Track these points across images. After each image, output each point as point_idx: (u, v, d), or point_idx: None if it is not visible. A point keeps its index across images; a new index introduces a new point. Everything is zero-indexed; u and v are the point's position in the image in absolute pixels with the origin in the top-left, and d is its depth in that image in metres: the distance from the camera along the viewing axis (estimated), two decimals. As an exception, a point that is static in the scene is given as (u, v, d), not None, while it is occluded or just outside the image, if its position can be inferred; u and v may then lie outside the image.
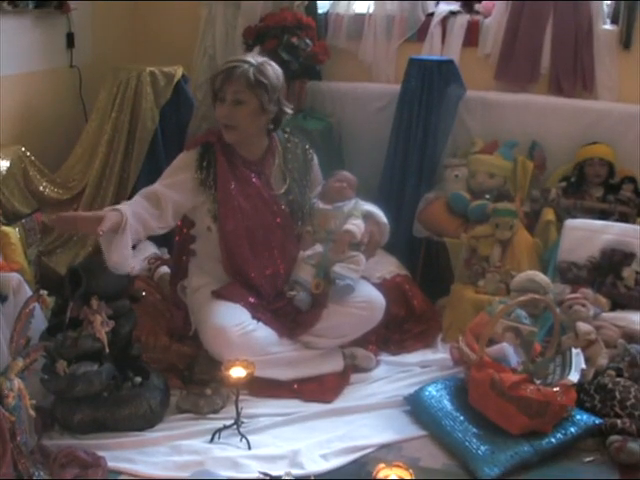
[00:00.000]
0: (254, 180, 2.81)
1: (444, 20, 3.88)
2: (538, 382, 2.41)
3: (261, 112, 2.74)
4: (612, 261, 3.05)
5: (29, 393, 2.11)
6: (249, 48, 3.72)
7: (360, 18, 4.00)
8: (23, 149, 3.26)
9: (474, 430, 2.39)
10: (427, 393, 2.56)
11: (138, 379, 2.54)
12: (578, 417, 2.43)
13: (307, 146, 2.98)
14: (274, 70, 2.77)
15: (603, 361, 2.63)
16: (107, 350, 2.42)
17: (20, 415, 2.05)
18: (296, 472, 2.23)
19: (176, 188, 2.70)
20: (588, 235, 3.13)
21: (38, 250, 3.20)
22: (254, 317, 2.72)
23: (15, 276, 2.59)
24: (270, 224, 2.82)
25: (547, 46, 3.71)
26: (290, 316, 2.81)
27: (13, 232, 2.89)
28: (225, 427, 2.40)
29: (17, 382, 2.05)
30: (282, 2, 3.87)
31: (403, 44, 3.94)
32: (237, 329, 2.63)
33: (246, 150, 2.82)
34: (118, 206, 2.57)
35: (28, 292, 2.58)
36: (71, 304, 2.47)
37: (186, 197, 2.73)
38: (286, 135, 2.94)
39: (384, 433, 2.47)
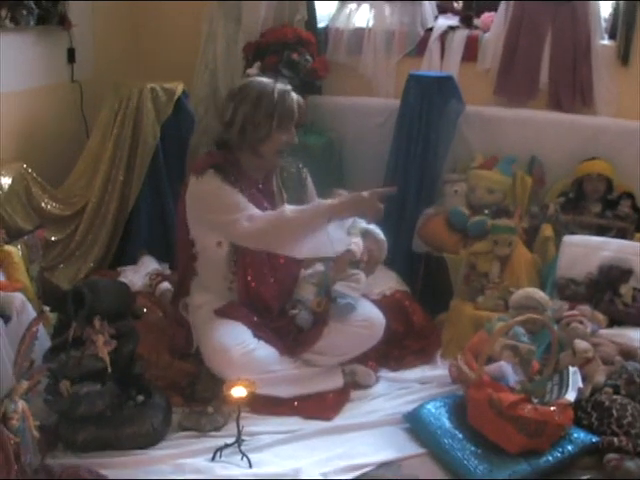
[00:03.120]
0: (261, 199, 2.83)
1: (443, 35, 3.89)
2: (535, 401, 2.42)
3: None
4: (610, 278, 3.07)
5: (32, 412, 2.12)
6: (249, 64, 3.75)
7: (360, 32, 4.01)
8: (25, 166, 3.27)
9: (472, 448, 2.40)
10: (426, 411, 2.57)
11: (140, 398, 2.55)
12: (575, 435, 2.44)
13: (300, 165, 3.01)
14: None
15: (600, 378, 2.63)
16: (110, 370, 2.43)
17: (24, 436, 2.07)
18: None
19: None
20: (586, 252, 3.15)
21: (40, 266, 3.22)
22: (255, 336, 2.74)
23: (18, 296, 2.61)
24: None
25: (546, 61, 3.72)
26: (291, 334, 2.83)
27: (15, 251, 2.91)
28: (227, 445, 2.41)
29: (21, 404, 2.06)
30: (283, 14, 3.90)
31: (403, 59, 3.96)
32: (239, 348, 2.66)
33: (259, 170, 2.86)
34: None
35: (31, 312, 2.61)
36: (74, 324, 2.49)
37: None
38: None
39: (383, 451, 2.48)
